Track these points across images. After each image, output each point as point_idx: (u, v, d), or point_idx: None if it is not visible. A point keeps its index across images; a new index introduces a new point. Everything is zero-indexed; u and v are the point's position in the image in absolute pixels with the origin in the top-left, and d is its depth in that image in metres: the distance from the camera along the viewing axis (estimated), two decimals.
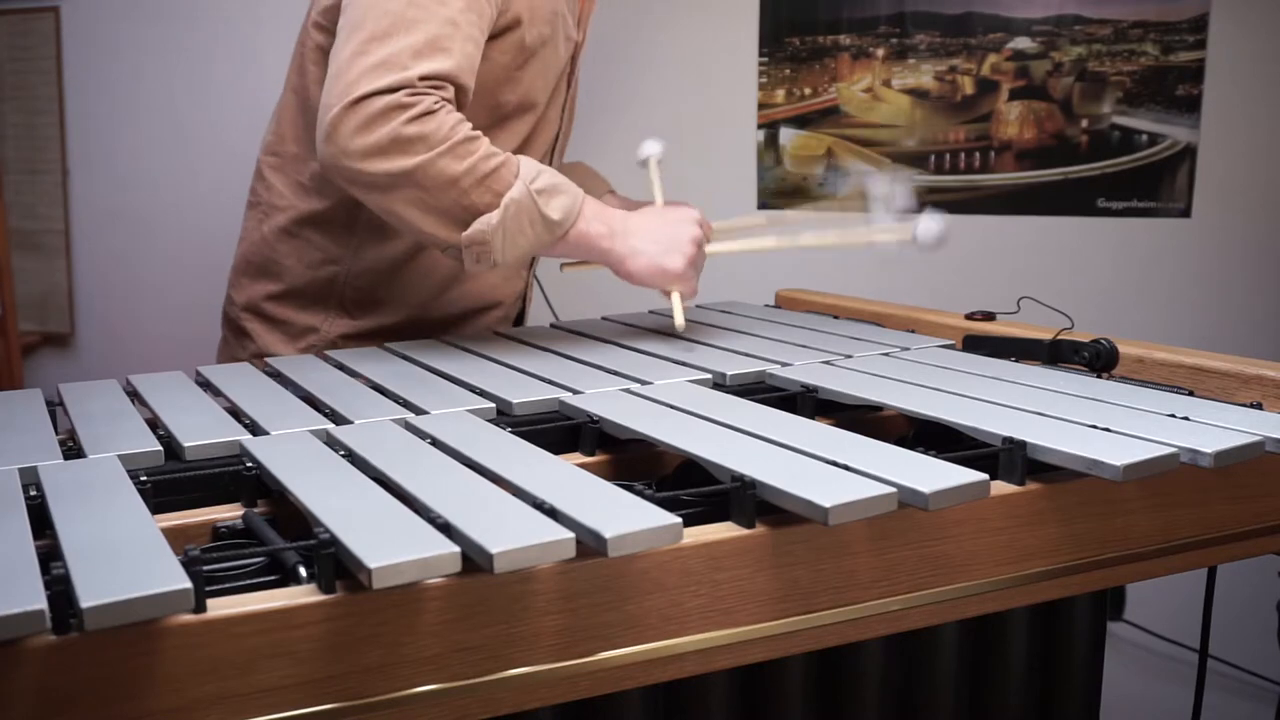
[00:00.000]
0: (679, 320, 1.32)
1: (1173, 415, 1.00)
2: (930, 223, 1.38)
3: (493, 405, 1.09)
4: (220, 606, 0.68)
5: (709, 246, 1.35)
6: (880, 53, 2.46)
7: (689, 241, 1.29)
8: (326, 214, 1.41)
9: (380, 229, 1.41)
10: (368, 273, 1.42)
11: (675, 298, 1.31)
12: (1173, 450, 0.89)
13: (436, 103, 1.17)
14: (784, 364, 1.23)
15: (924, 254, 1.40)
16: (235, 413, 1.07)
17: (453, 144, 1.16)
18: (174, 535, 0.82)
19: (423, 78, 1.16)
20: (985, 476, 0.83)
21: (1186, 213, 2.37)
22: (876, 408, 1.09)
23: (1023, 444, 0.92)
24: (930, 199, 2.46)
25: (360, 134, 1.14)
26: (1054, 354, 1.26)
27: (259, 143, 1.51)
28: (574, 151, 1.70)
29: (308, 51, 1.39)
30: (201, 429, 0.99)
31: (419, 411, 1.06)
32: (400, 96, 1.14)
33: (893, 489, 0.80)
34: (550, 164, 1.51)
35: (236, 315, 1.48)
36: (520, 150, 1.42)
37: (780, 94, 2.52)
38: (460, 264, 1.23)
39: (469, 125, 1.19)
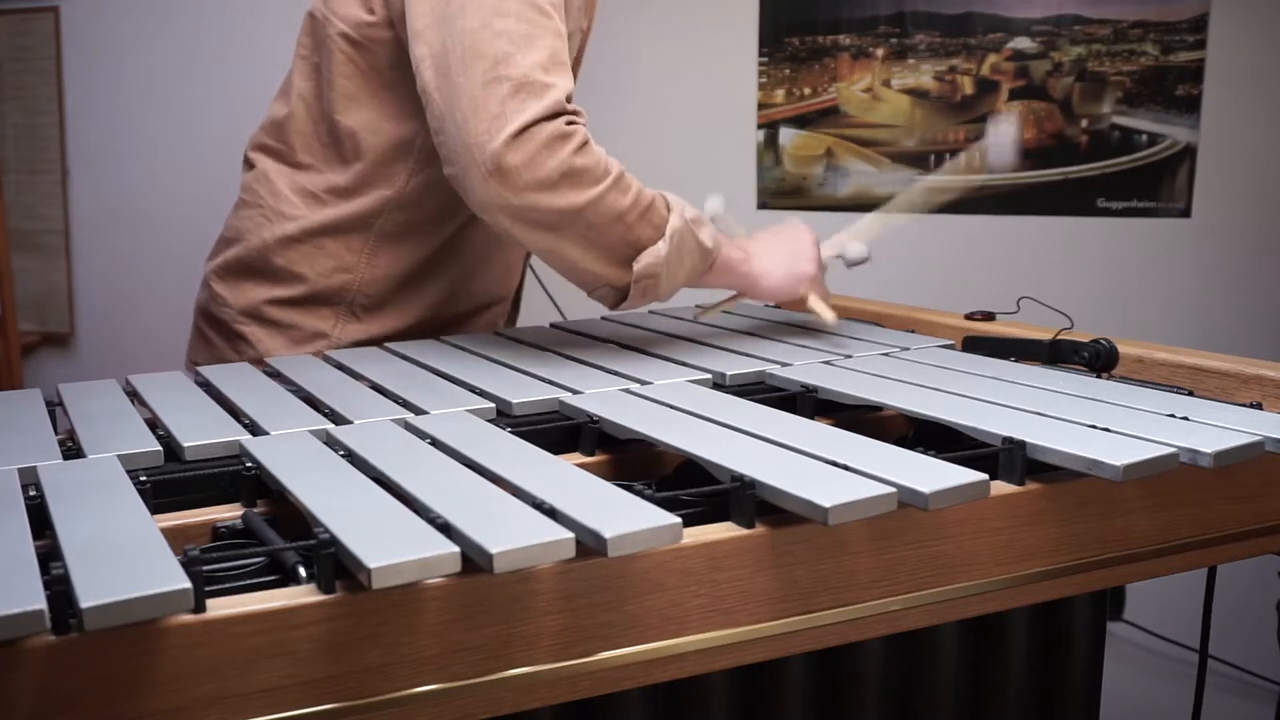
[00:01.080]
0: (829, 317, 1.37)
1: (1173, 415, 1.00)
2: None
3: (492, 405, 1.09)
4: (220, 606, 0.68)
5: (824, 246, 1.41)
6: (880, 53, 2.46)
7: (810, 245, 1.35)
8: (341, 224, 1.38)
9: (395, 238, 1.39)
10: (382, 280, 1.41)
11: (813, 300, 1.36)
12: (1173, 450, 0.89)
13: (586, 132, 1.15)
14: (784, 364, 1.23)
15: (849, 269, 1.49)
16: (235, 413, 1.07)
17: (615, 177, 1.15)
18: (174, 535, 0.82)
19: (567, 98, 1.15)
20: (985, 476, 0.83)
21: (1186, 213, 2.37)
22: (876, 408, 1.09)
23: (1022, 444, 0.92)
24: (930, 199, 2.46)
25: (530, 169, 1.10)
26: (1054, 354, 1.26)
27: None
28: None
29: (334, 64, 1.35)
30: (201, 429, 0.99)
31: (419, 411, 1.06)
32: (560, 125, 1.12)
33: (892, 489, 0.80)
34: None
35: (230, 318, 1.44)
36: None
37: (780, 94, 2.52)
38: (611, 303, 1.24)
39: (611, 160, 1.18)
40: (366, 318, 1.43)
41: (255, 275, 1.43)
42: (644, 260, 1.18)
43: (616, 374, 1.20)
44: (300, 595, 0.70)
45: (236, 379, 1.20)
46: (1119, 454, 0.87)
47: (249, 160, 1.47)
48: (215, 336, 1.47)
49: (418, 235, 1.40)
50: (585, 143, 1.14)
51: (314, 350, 1.42)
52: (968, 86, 2.43)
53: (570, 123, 1.14)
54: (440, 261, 1.43)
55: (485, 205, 1.13)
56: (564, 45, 1.19)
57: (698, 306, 1.50)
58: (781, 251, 1.34)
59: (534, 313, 1.70)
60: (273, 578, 0.75)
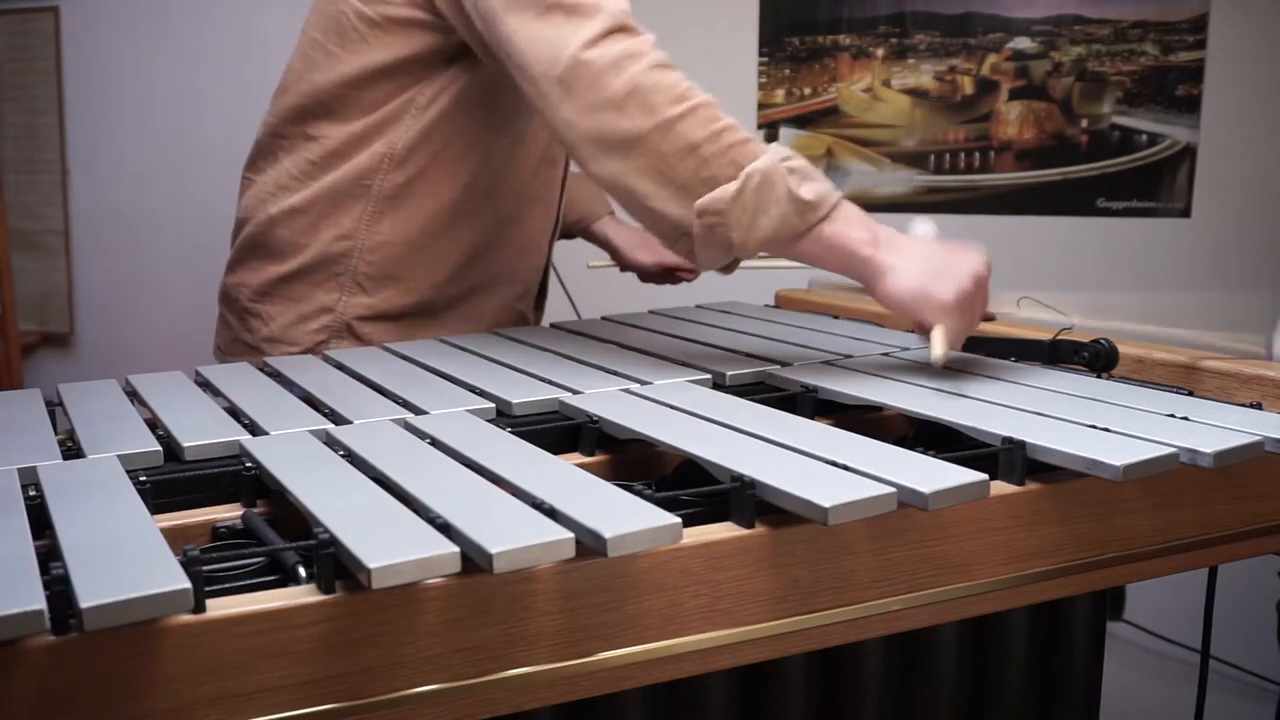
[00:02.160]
0: (938, 353, 1.09)
1: (1172, 415, 1.00)
2: (924, 225, 1.36)
3: (492, 405, 1.09)
4: (220, 606, 0.68)
5: (999, 296, 1.21)
6: (880, 53, 2.46)
7: (968, 275, 1.10)
8: (338, 188, 1.38)
9: (395, 203, 1.38)
10: (383, 247, 1.40)
11: (938, 331, 1.10)
12: (1172, 450, 0.89)
13: (660, 54, 1.09)
14: (784, 364, 1.23)
15: None
16: (235, 413, 1.07)
17: (692, 105, 1.05)
18: (173, 535, 0.82)
19: (625, 14, 1.09)
20: (985, 476, 0.83)
21: (1186, 213, 2.37)
22: (876, 408, 1.09)
23: (1022, 444, 0.92)
24: (930, 199, 2.46)
25: (596, 86, 1.04)
26: (1054, 354, 1.26)
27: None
28: None
29: (341, 19, 1.34)
30: (201, 429, 0.99)
31: (419, 411, 1.06)
32: (626, 41, 1.05)
33: (892, 489, 0.80)
34: (566, 164, 1.51)
35: (247, 297, 1.45)
36: (546, 151, 1.41)
37: (780, 94, 2.52)
38: (692, 260, 1.12)
39: (699, 87, 1.09)
40: (371, 289, 1.42)
41: (262, 252, 1.44)
42: (713, 194, 1.05)
43: (616, 374, 1.20)
44: (300, 595, 0.70)
45: (236, 379, 1.20)
46: (1119, 454, 0.87)
47: (260, 143, 1.48)
48: (230, 316, 1.49)
49: (418, 199, 1.38)
50: (661, 63, 1.07)
51: (321, 325, 1.42)
52: (968, 86, 2.43)
53: (643, 39, 1.09)
54: (445, 231, 1.41)
55: (560, 128, 1.10)
56: None
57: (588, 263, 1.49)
58: (930, 261, 1.11)
59: (550, 305, 1.69)
60: (273, 578, 0.75)
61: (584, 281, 1.77)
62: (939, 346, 1.09)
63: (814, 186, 1.08)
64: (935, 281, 1.09)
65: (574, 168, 1.76)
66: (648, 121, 1.05)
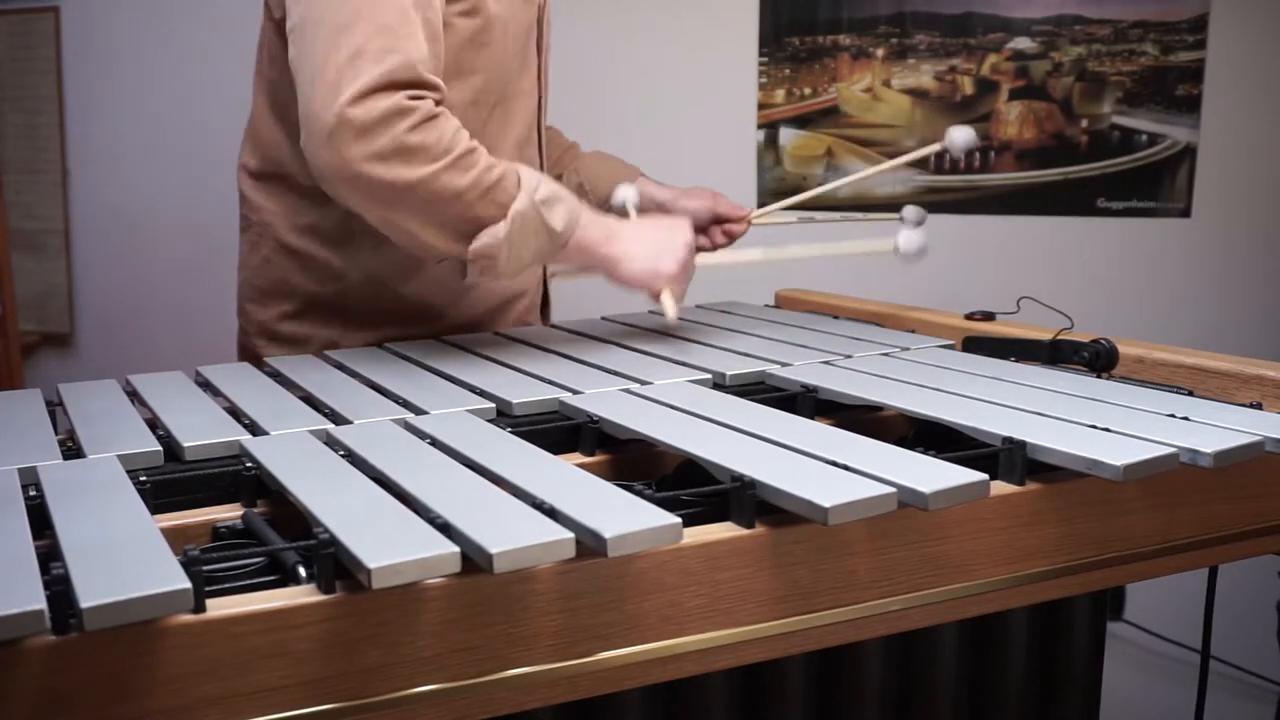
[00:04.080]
0: (670, 313, 1.32)
1: (1172, 415, 1.00)
2: (911, 234, 1.47)
3: (493, 405, 1.09)
4: (220, 606, 0.68)
5: (700, 258, 1.36)
6: (880, 53, 2.46)
7: (682, 246, 1.31)
8: (320, 226, 1.37)
9: (377, 236, 1.37)
10: (373, 281, 1.39)
11: (666, 295, 1.31)
12: (1173, 450, 0.89)
13: (435, 106, 1.15)
14: (784, 364, 1.23)
15: (906, 264, 1.48)
16: (235, 413, 1.07)
17: (455, 156, 1.13)
18: (174, 535, 0.82)
19: (419, 63, 1.13)
20: (985, 476, 0.83)
21: (1186, 213, 2.37)
22: (876, 408, 1.09)
23: (1023, 444, 0.92)
24: (930, 199, 2.46)
25: (361, 140, 1.10)
26: (1054, 354, 1.26)
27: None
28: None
29: (280, 56, 1.32)
30: (201, 429, 0.99)
31: (419, 411, 1.06)
32: (399, 99, 1.11)
33: (892, 489, 0.80)
34: (538, 136, 1.48)
35: (252, 343, 1.45)
36: (504, 125, 1.39)
37: (780, 94, 2.52)
38: (458, 276, 1.22)
39: (466, 133, 1.17)
40: (373, 324, 1.41)
41: (263, 296, 1.43)
42: (482, 239, 1.16)
43: (616, 374, 1.20)
44: (300, 595, 0.70)
45: (236, 379, 1.20)
46: (1119, 454, 0.87)
47: (239, 190, 1.46)
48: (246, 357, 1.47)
49: None
50: (428, 118, 1.12)
51: None
52: (968, 86, 2.43)
53: (416, 96, 1.13)
54: (425, 261, 1.38)
55: (321, 172, 1.14)
56: (425, 15, 1.17)
57: (552, 271, 1.51)
58: (648, 242, 1.31)
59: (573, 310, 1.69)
60: (273, 578, 0.75)
61: (586, 280, 1.77)
62: (670, 308, 1.31)
63: (561, 212, 1.22)
64: (660, 260, 1.30)
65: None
66: (412, 175, 1.12)
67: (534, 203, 1.18)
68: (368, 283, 1.39)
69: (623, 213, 1.50)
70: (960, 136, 1.50)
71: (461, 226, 1.16)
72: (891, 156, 2.47)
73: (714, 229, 1.62)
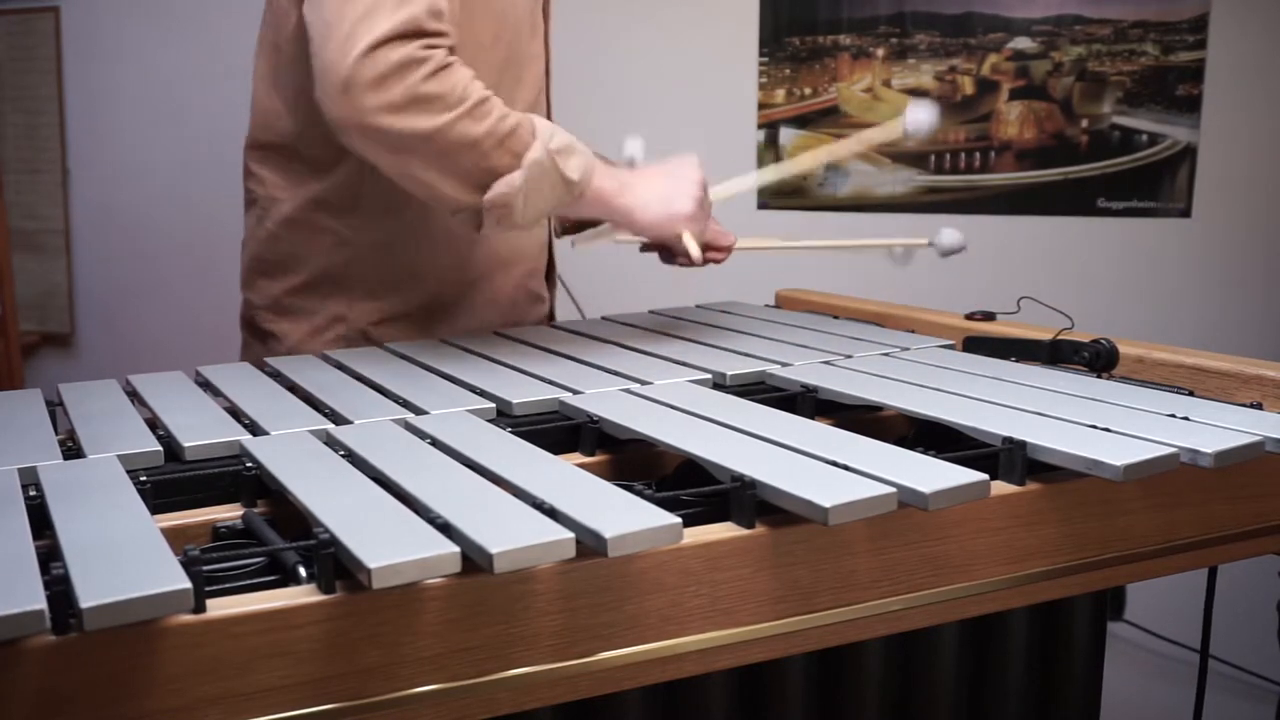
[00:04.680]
0: (695, 252, 1.33)
1: (1173, 415, 1.00)
2: (949, 235, 1.49)
3: (493, 405, 1.09)
4: (220, 606, 0.68)
5: (714, 191, 1.37)
6: (880, 53, 2.46)
7: (694, 183, 1.32)
8: (326, 195, 1.38)
9: (384, 201, 1.37)
10: (380, 248, 1.39)
11: (687, 236, 1.32)
12: (1173, 450, 0.89)
13: (448, 55, 1.14)
14: (784, 364, 1.23)
15: (943, 259, 1.49)
16: (235, 413, 1.07)
17: (471, 105, 1.13)
18: (174, 535, 0.82)
19: (430, 15, 1.13)
20: (985, 476, 0.83)
21: (1186, 213, 2.37)
22: (876, 408, 1.09)
23: (1023, 444, 0.92)
24: (931, 199, 2.46)
25: (375, 90, 1.10)
26: (1054, 354, 1.26)
27: None
28: None
29: (293, 31, 1.33)
30: (201, 429, 0.99)
31: (419, 411, 1.06)
32: (413, 49, 1.11)
33: (892, 489, 0.80)
34: (546, 101, 1.49)
35: (258, 317, 1.45)
36: (515, 87, 1.39)
37: (780, 94, 2.52)
38: (473, 227, 1.21)
39: (480, 83, 1.16)
40: (379, 293, 1.41)
41: (269, 270, 1.43)
42: (497, 189, 1.16)
43: (616, 374, 1.20)
44: (300, 595, 0.70)
45: (236, 379, 1.20)
46: (1119, 454, 0.87)
47: (244, 164, 1.47)
48: (251, 339, 1.48)
49: (406, 195, 1.37)
50: (441, 67, 1.13)
51: (335, 335, 1.41)
52: (968, 86, 2.43)
53: (430, 45, 1.13)
54: (438, 223, 1.39)
55: (337, 123, 1.14)
56: None
57: (572, 241, 1.50)
58: (661, 188, 1.31)
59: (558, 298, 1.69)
60: (273, 578, 0.75)
61: (586, 280, 1.77)
62: (694, 248, 1.32)
63: (577, 162, 1.21)
64: (673, 202, 1.30)
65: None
66: (428, 124, 1.12)
67: (549, 151, 1.17)
68: (375, 249, 1.39)
69: (631, 165, 1.50)
70: (922, 116, 1.47)
71: (477, 175, 1.16)
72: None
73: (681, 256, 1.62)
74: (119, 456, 0.91)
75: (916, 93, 2.45)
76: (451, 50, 1.16)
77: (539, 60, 1.45)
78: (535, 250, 1.53)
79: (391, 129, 1.11)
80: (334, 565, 0.71)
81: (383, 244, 1.39)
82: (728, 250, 1.55)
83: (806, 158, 1.55)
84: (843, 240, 1.54)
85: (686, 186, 1.32)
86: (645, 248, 1.67)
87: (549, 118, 1.48)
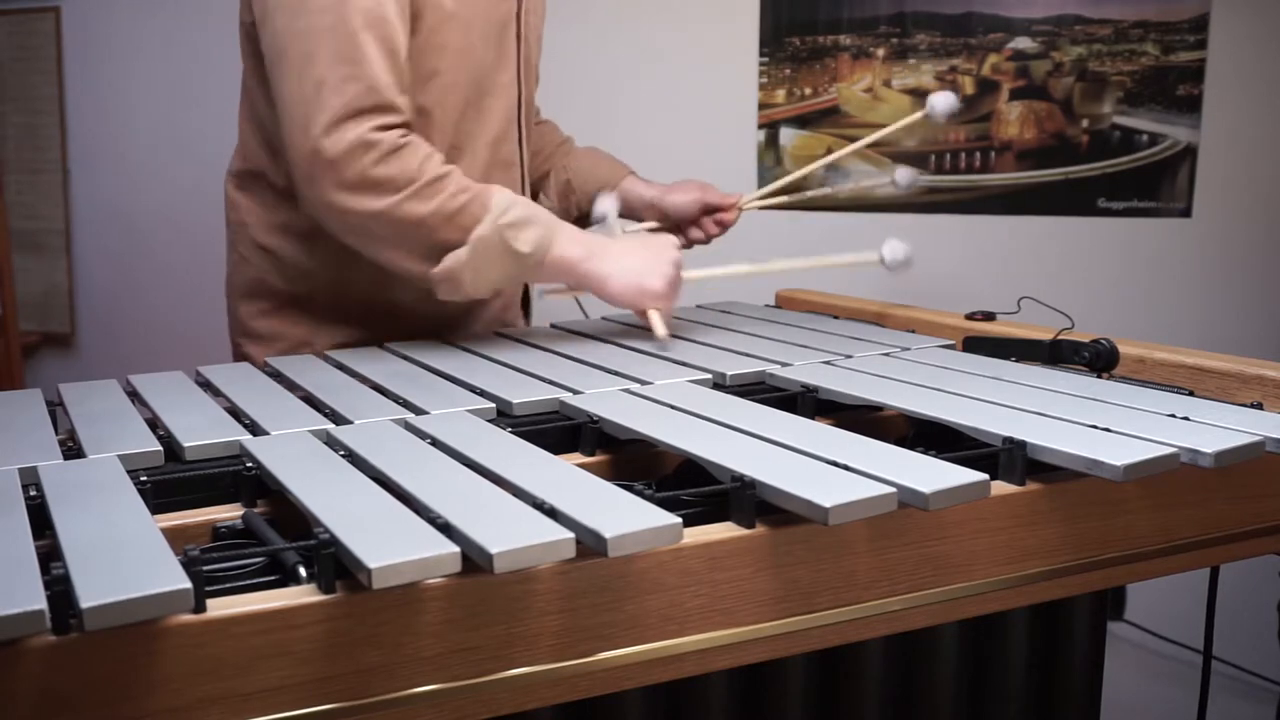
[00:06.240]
0: (660, 332, 1.34)
1: (1173, 415, 1.00)
2: (896, 245, 1.50)
3: (493, 405, 1.09)
4: (220, 606, 0.68)
5: (686, 273, 1.37)
6: (880, 53, 2.46)
7: (669, 264, 1.33)
8: (291, 225, 1.38)
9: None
10: (343, 280, 1.39)
11: (654, 315, 1.35)
12: (1173, 450, 0.89)
13: (403, 136, 1.20)
14: (784, 364, 1.23)
15: (893, 273, 1.50)
16: (235, 413, 1.07)
17: (420, 185, 1.20)
18: (174, 535, 0.82)
19: (382, 85, 1.20)
20: (985, 476, 0.83)
21: (1187, 213, 2.37)
22: (876, 408, 1.09)
23: (1023, 444, 0.92)
24: (931, 199, 2.46)
25: (332, 171, 1.18)
26: (1054, 354, 1.26)
27: None
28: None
29: (252, 65, 1.38)
30: (201, 429, 0.99)
31: (419, 411, 1.06)
32: (365, 131, 1.18)
33: (893, 489, 0.80)
34: (518, 132, 1.48)
35: (237, 341, 1.47)
36: (479, 123, 1.40)
37: (780, 94, 2.52)
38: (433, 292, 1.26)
39: (438, 159, 1.22)
40: (347, 321, 1.42)
41: (242, 294, 1.45)
42: (445, 262, 1.22)
43: (616, 374, 1.20)
44: (300, 595, 0.70)
45: (236, 379, 1.20)
46: (1120, 454, 0.87)
47: (225, 191, 1.48)
48: (236, 358, 1.49)
49: None
50: (393, 149, 1.19)
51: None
52: (968, 86, 2.43)
53: (383, 125, 1.19)
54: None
55: (303, 200, 1.24)
56: (382, 33, 1.21)
57: (541, 290, 1.52)
58: (635, 262, 1.32)
59: (547, 305, 1.68)
60: (273, 578, 0.75)
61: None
62: (660, 327, 1.34)
63: (530, 235, 1.25)
64: (646, 278, 1.32)
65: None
66: (377, 205, 1.20)
67: (498, 226, 1.22)
68: (336, 282, 1.40)
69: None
70: (942, 103, 1.54)
71: (426, 250, 1.22)
72: (893, 158, 2.47)
73: (705, 219, 1.62)
74: (119, 456, 0.91)
75: (916, 93, 2.45)
76: (408, 125, 1.23)
77: (509, 91, 1.44)
78: (508, 287, 1.51)
79: (344, 207, 1.20)
80: (334, 565, 0.71)
81: (342, 278, 1.39)
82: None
83: (784, 263, 1.59)
84: (807, 261, 1.56)
85: (661, 265, 1.33)
86: (686, 225, 1.67)
87: (521, 148, 1.49)
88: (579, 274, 1.31)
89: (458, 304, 1.46)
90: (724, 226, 1.62)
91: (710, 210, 1.61)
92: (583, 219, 1.62)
